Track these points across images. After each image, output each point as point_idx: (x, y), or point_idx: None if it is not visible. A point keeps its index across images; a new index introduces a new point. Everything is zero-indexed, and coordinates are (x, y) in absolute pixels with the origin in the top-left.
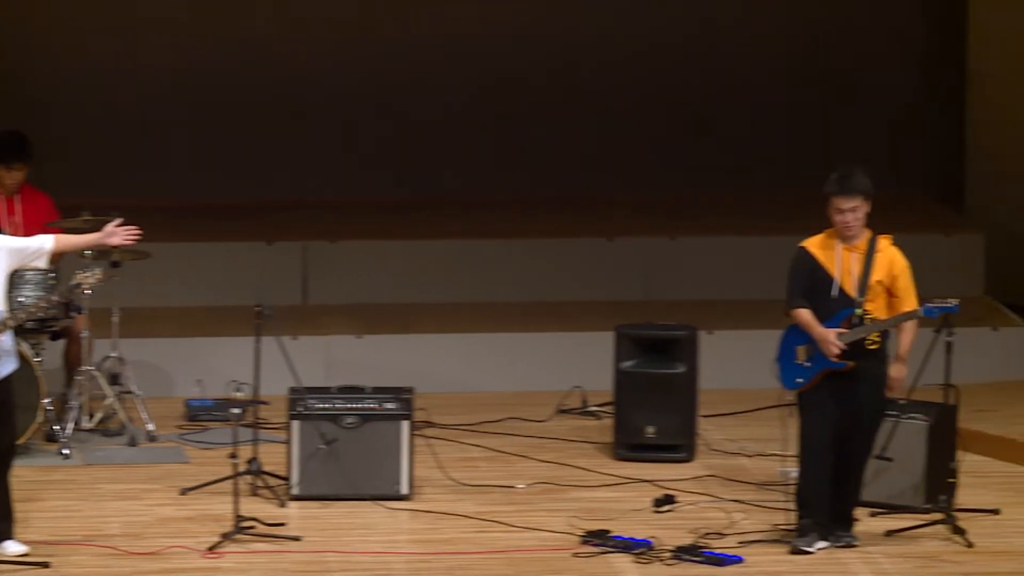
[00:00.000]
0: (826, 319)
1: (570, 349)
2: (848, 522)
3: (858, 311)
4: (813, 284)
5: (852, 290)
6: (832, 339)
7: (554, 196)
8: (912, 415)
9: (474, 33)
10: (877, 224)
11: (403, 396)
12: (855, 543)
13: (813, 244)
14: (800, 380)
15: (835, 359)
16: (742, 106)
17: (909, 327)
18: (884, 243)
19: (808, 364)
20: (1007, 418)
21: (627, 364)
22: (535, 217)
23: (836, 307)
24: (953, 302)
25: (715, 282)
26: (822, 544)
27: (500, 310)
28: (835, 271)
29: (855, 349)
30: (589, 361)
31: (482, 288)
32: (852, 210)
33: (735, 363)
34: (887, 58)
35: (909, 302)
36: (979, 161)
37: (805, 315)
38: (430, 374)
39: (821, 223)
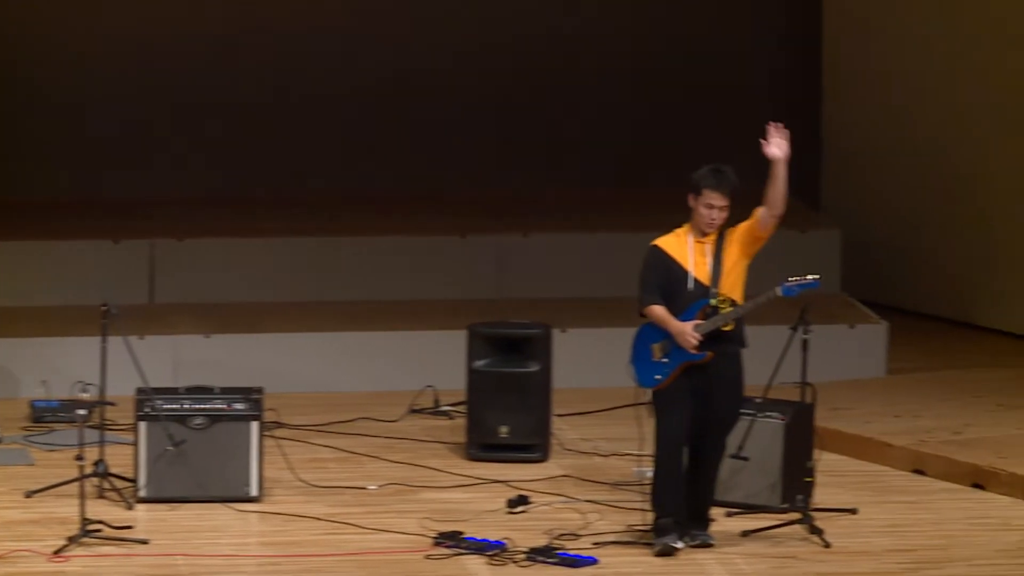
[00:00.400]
0: (682, 313)
1: (422, 348)
2: (704, 521)
3: (712, 301)
4: (668, 280)
5: (707, 279)
6: (689, 331)
7: (407, 193)
8: (768, 414)
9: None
10: (733, 222)
11: (252, 396)
12: (711, 542)
13: (664, 241)
14: (659, 377)
15: (693, 351)
16: (592, 104)
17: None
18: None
19: (665, 360)
20: (863, 416)
21: (480, 363)
22: (387, 214)
23: (692, 300)
24: (812, 277)
25: (568, 279)
26: (680, 544)
27: (351, 308)
28: (689, 264)
29: (711, 337)
30: (441, 360)
31: (333, 286)
32: (722, 208)
33: (589, 361)
34: (741, 55)
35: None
36: (835, 158)
37: (659, 311)
38: (280, 374)
39: (675, 219)
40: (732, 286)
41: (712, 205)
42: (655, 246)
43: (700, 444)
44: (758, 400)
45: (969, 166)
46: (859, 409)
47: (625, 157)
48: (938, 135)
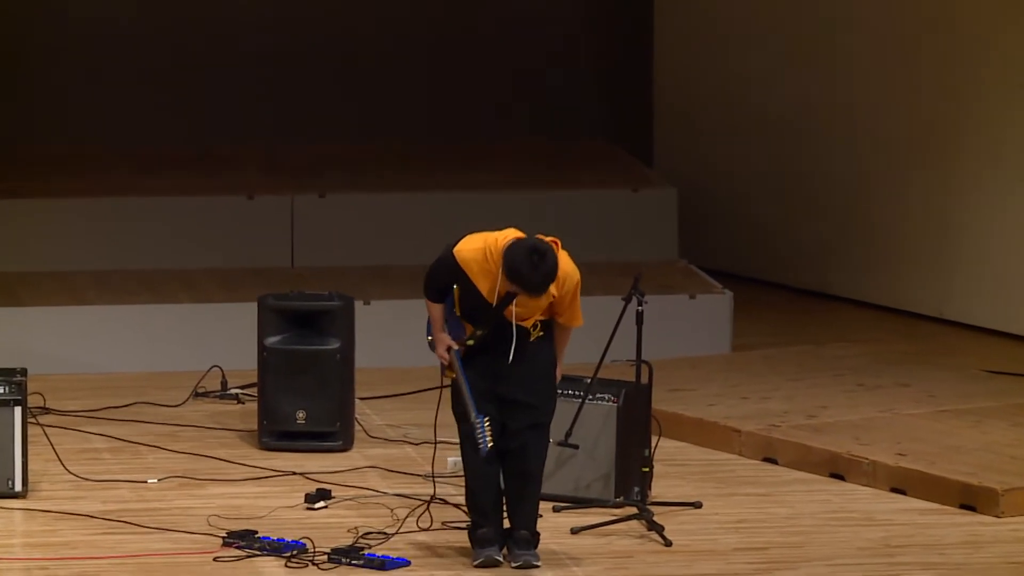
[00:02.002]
0: (478, 326)
1: (206, 323)
2: (527, 542)
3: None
4: (464, 294)
5: (515, 321)
6: (442, 351)
7: (181, 150)
8: (599, 396)
9: None
10: (561, 176)
11: (14, 379)
12: (535, 563)
13: (470, 262)
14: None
15: (441, 358)
16: (388, 52)
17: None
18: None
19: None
20: (706, 398)
21: (272, 340)
22: (159, 173)
23: (490, 319)
24: (485, 434)
25: (371, 245)
26: (500, 558)
27: (125, 278)
28: (485, 291)
29: (519, 351)
30: (228, 337)
31: (105, 253)
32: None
33: (396, 337)
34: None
35: (573, 318)
36: (667, 106)
37: (436, 311)
38: (45, 353)
39: (481, 178)
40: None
41: (515, 298)
42: (453, 259)
43: (513, 448)
44: (587, 380)
45: (824, 119)
46: (702, 390)
47: (444, 108)
48: (783, 80)
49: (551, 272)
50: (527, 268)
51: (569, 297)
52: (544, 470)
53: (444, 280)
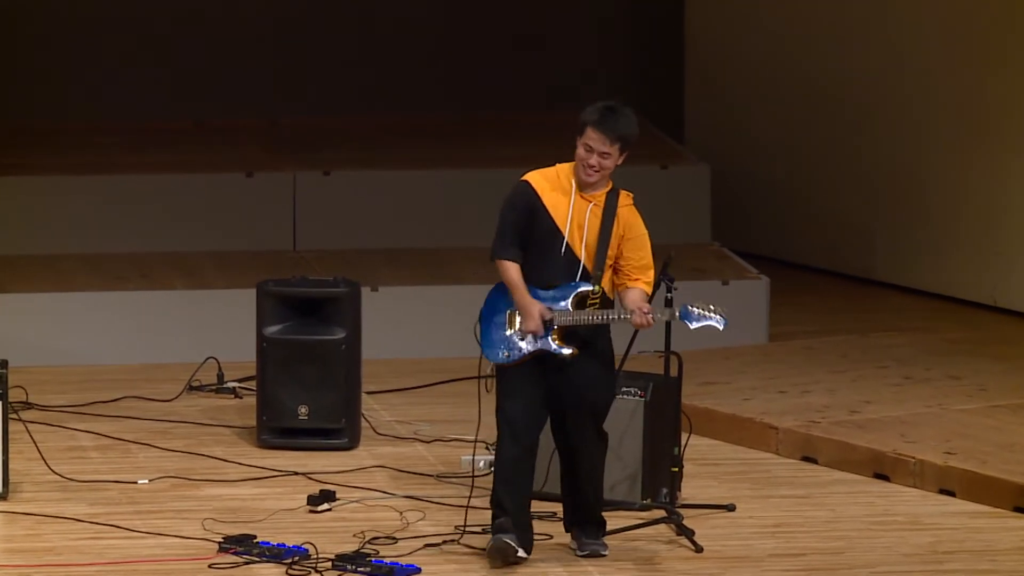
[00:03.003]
0: (547, 282)
1: (202, 310)
2: (590, 527)
3: (596, 288)
4: (533, 232)
5: (583, 255)
6: (536, 317)
7: (174, 124)
8: (625, 390)
9: None
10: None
11: None
12: (603, 552)
13: (540, 180)
14: (507, 354)
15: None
16: (401, 17)
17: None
18: (625, 200)
19: (520, 338)
20: (741, 392)
21: (272, 329)
22: (150, 149)
23: (561, 271)
24: (720, 315)
25: (379, 227)
26: (520, 550)
27: (115, 262)
28: (564, 224)
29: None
30: (225, 325)
31: (93, 235)
32: (603, 155)
33: (406, 326)
34: None
35: (643, 279)
36: (699, 78)
37: (512, 272)
38: (27, 343)
39: (506, 152)
40: (607, 269)
41: (591, 148)
42: (526, 182)
43: (567, 437)
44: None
45: (871, 91)
46: (736, 383)
47: (452, 78)
48: (827, 48)
49: (621, 112)
50: (597, 104)
51: (635, 243)
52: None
53: (515, 220)
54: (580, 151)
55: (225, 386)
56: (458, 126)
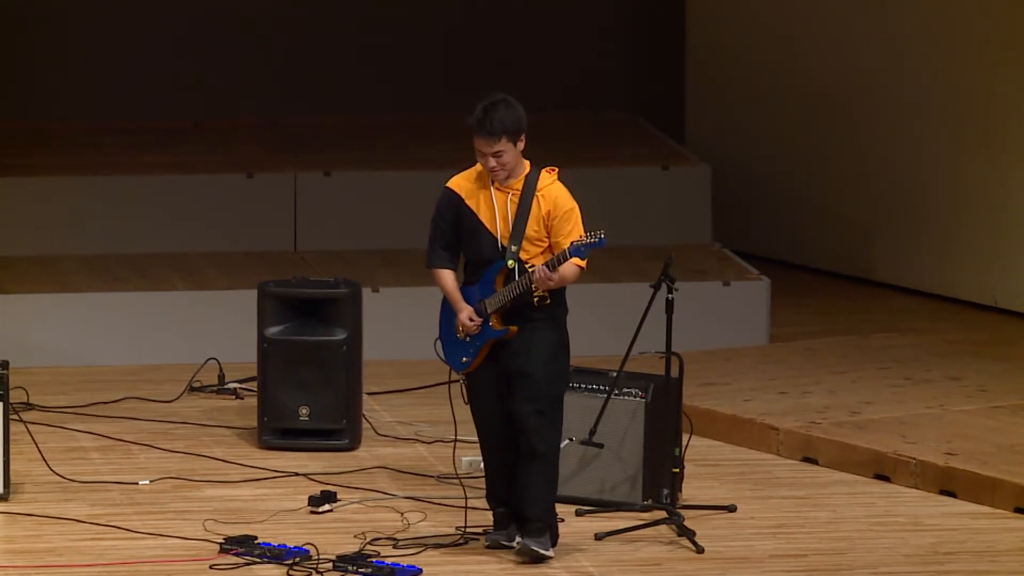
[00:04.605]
0: (481, 274)
1: (202, 311)
2: (528, 524)
3: (510, 263)
4: (463, 235)
5: (504, 235)
6: (465, 318)
7: (174, 124)
8: (625, 391)
9: None
10: (585, 153)
11: None
12: (546, 554)
13: (462, 183)
14: (466, 359)
15: (493, 328)
16: (403, 16)
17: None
18: (547, 179)
19: (467, 338)
20: (741, 392)
21: (273, 330)
22: (150, 149)
23: (489, 261)
24: (600, 235)
25: (380, 227)
26: (513, 545)
27: (115, 263)
28: (488, 220)
29: (519, 309)
30: (226, 326)
31: (93, 236)
32: (497, 154)
33: (407, 327)
34: None
35: (571, 235)
36: (700, 79)
37: (445, 279)
38: (28, 344)
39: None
40: (533, 247)
41: (483, 152)
42: (449, 188)
43: (508, 414)
44: (613, 374)
45: (872, 91)
46: (736, 384)
47: (454, 78)
48: (828, 48)
49: (496, 107)
50: (477, 107)
51: (562, 219)
52: (561, 464)
53: (443, 226)
54: (478, 157)
55: (226, 387)
56: (458, 126)
